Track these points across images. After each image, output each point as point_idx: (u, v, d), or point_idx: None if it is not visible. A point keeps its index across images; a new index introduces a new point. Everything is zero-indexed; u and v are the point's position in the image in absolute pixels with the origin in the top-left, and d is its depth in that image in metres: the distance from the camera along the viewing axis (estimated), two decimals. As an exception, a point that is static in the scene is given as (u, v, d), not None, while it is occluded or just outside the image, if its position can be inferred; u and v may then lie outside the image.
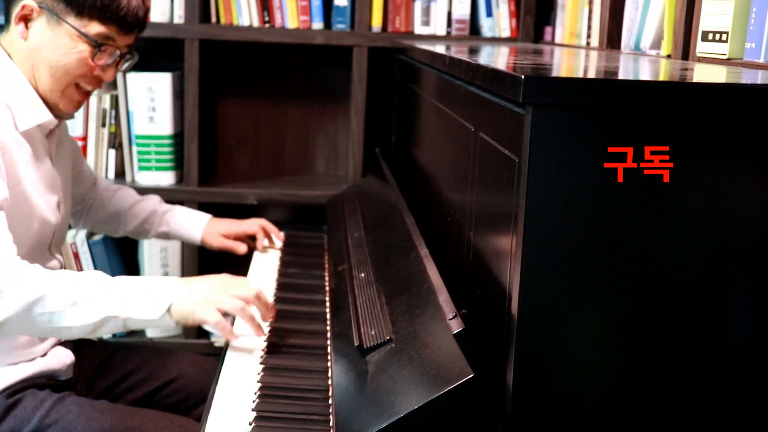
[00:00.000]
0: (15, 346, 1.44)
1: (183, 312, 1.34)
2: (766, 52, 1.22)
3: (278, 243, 2.03)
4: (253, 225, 1.99)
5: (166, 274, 2.45)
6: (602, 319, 0.90)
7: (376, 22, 2.36)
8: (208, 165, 2.55)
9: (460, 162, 1.22)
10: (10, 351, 1.44)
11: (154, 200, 1.92)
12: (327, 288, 1.70)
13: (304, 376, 1.33)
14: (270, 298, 1.69)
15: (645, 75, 1.14)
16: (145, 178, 2.39)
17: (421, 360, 1.05)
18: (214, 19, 2.38)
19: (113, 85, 2.37)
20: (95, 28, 1.45)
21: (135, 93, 2.35)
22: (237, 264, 1.98)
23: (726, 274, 0.90)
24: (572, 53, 1.68)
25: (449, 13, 2.39)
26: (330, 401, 1.23)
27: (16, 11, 1.44)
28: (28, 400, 1.41)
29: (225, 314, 1.39)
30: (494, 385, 0.95)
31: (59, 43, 1.45)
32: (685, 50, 1.47)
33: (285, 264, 1.91)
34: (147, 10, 1.53)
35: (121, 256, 2.49)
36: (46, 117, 1.47)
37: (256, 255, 1.98)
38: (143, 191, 1.97)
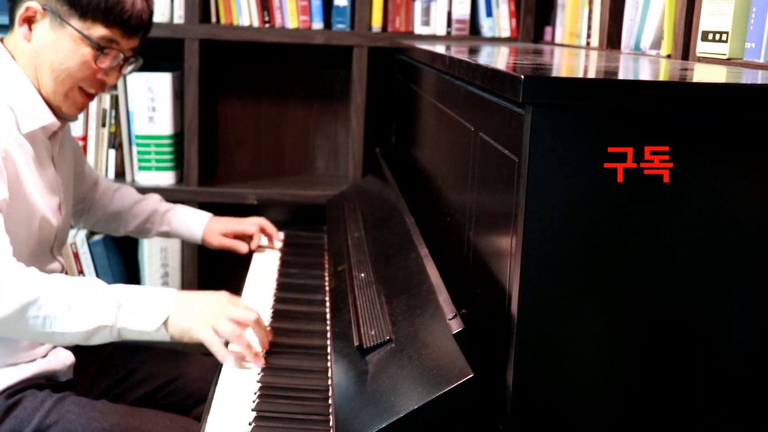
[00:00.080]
0: (17, 348, 1.44)
1: (180, 327, 1.31)
2: (766, 52, 1.22)
3: (278, 244, 2.03)
4: (251, 225, 1.99)
5: (166, 273, 2.45)
6: (602, 319, 0.90)
7: (376, 22, 2.36)
8: (208, 165, 2.54)
9: (460, 162, 1.22)
10: (12, 352, 1.44)
11: (154, 199, 1.92)
12: (327, 288, 1.70)
13: (304, 376, 1.33)
14: (270, 297, 1.69)
15: (645, 75, 1.14)
16: (145, 178, 2.39)
17: (421, 360, 1.05)
18: (214, 19, 2.38)
19: (113, 85, 2.37)
20: (99, 30, 1.44)
21: (135, 93, 2.35)
22: (237, 264, 1.98)
23: (726, 274, 0.90)
24: (572, 53, 1.67)
25: (449, 13, 2.39)
26: (330, 401, 1.23)
27: (19, 13, 1.44)
28: (28, 401, 1.41)
29: None
30: (494, 385, 0.95)
31: (62, 45, 1.44)
32: (685, 50, 1.47)
33: (285, 264, 1.91)
34: (151, 14, 1.52)
35: (121, 256, 2.48)
36: (49, 119, 1.47)
37: (256, 255, 1.98)
38: (143, 191, 1.96)
